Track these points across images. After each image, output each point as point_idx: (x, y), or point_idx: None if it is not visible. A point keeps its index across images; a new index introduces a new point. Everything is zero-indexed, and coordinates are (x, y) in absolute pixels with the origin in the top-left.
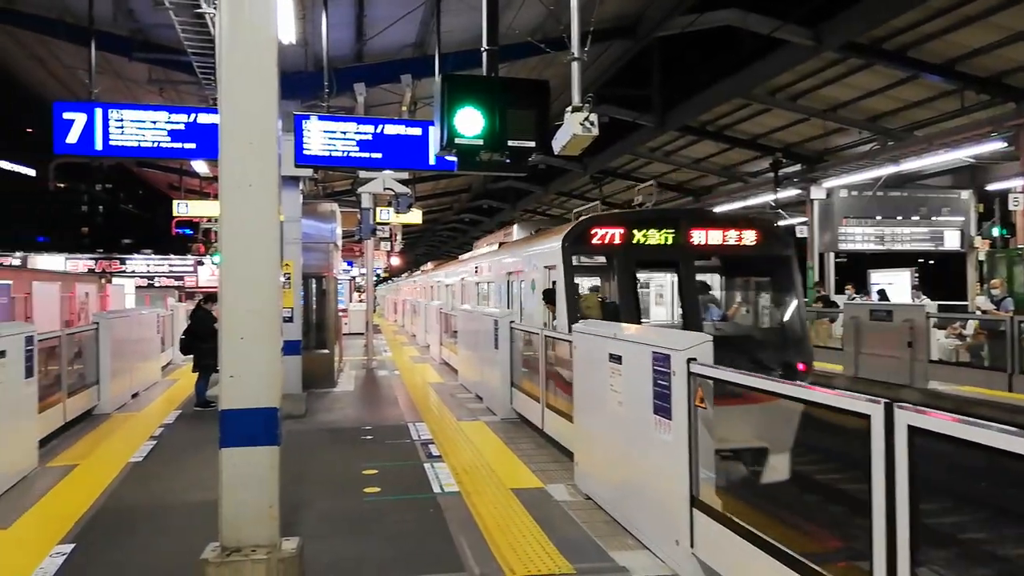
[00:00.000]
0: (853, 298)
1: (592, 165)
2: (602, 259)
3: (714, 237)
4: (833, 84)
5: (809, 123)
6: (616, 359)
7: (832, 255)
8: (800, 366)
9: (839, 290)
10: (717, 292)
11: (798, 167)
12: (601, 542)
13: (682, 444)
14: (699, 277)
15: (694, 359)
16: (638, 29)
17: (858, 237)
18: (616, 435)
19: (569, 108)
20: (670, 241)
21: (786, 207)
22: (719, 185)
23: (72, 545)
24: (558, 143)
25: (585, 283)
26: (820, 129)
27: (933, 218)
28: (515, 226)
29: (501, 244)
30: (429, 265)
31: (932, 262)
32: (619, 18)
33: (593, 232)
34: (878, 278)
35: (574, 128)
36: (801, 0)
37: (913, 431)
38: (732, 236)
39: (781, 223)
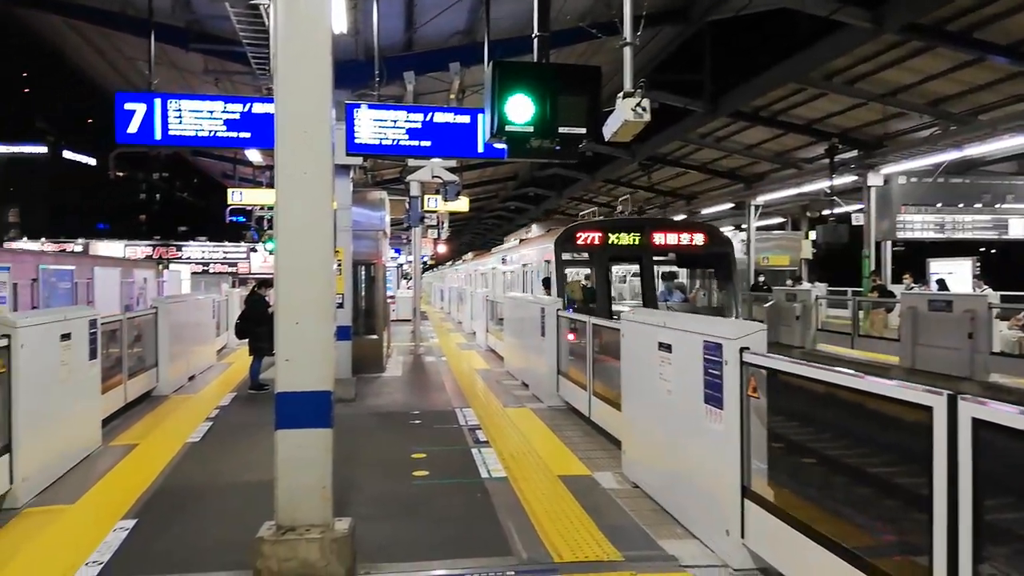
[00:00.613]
0: (911, 288)
1: (640, 152)
2: (585, 255)
3: (669, 239)
4: (893, 67)
5: (867, 107)
6: (666, 348)
7: (889, 244)
8: None
9: (896, 279)
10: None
11: (855, 153)
12: (649, 530)
13: (733, 434)
14: (670, 268)
15: (747, 348)
16: (690, 13)
17: (917, 225)
18: (665, 424)
19: (620, 94)
20: (636, 242)
21: (841, 194)
22: (772, 172)
23: (134, 520)
24: (609, 129)
25: (582, 272)
26: (879, 114)
27: (997, 205)
28: (534, 225)
29: (521, 241)
30: (469, 255)
31: (995, 251)
32: (671, 1)
33: (577, 235)
34: (937, 267)
35: (625, 114)
36: None
37: (978, 424)
38: (684, 238)
39: (836, 211)
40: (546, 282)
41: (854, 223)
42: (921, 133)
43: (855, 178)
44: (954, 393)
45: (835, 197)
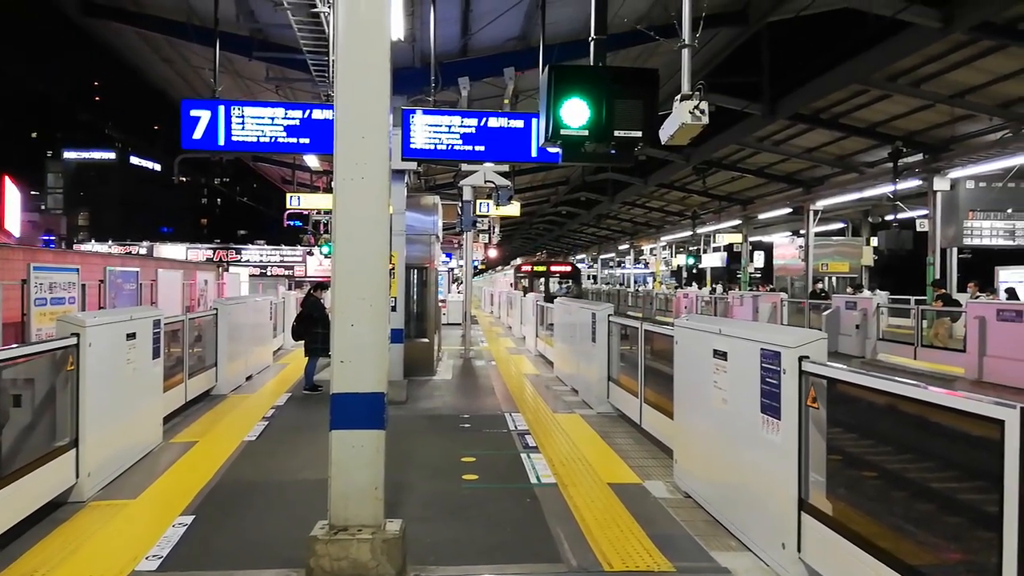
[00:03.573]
0: (977, 297)
1: (695, 156)
2: (526, 275)
3: (556, 268)
4: (961, 68)
5: (933, 109)
6: (721, 355)
7: (955, 251)
8: None
9: (962, 288)
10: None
11: (920, 156)
12: (701, 541)
13: (791, 445)
14: (563, 279)
15: (807, 357)
16: (749, 14)
17: (986, 231)
18: (719, 433)
19: (678, 97)
20: (544, 269)
21: (905, 199)
22: (832, 176)
23: (192, 516)
24: (665, 133)
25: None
26: (946, 116)
27: None
28: (519, 259)
29: (512, 265)
30: (500, 267)
31: None
32: (729, 3)
33: (522, 267)
34: (1007, 276)
35: (683, 117)
36: None
37: None
38: (562, 268)
39: (900, 216)
40: (512, 285)
41: (918, 229)
42: (991, 136)
43: (920, 182)
44: None
45: (898, 202)
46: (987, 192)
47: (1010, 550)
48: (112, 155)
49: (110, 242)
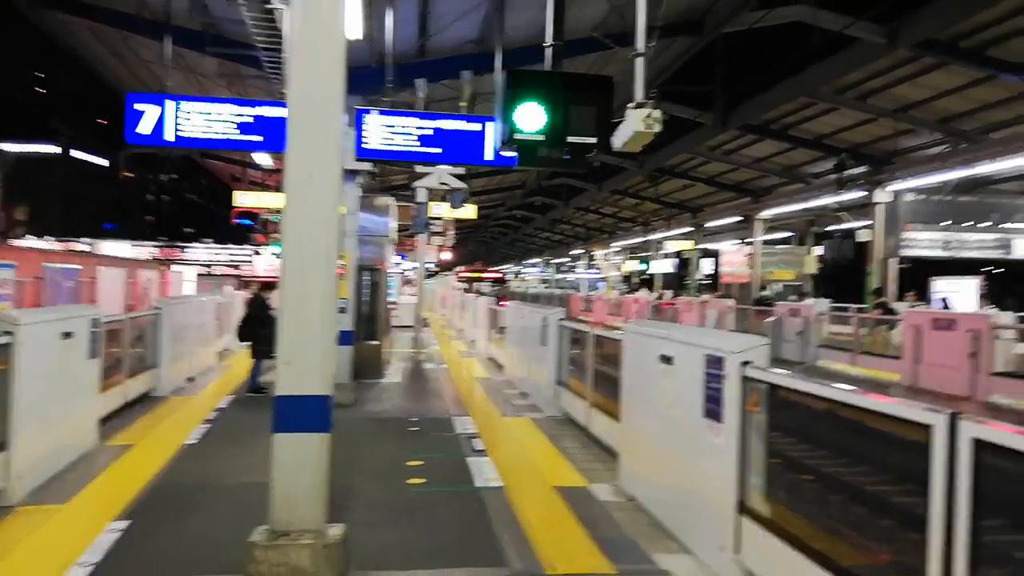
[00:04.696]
0: (914, 306)
1: (648, 163)
2: (465, 279)
3: (488, 275)
4: (904, 83)
5: (877, 123)
6: (667, 360)
7: (894, 261)
8: (503, 303)
9: (900, 297)
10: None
11: (863, 168)
12: (643, 544)
13: (732, 448)
14: (494, 283)
15: (748, 362)
16: (704, 25)
17: (923, 243)
18: (664, 437)
19: (631, 104)
20: (478, 276)
21: (849, 210)
22: (780, 186)
23: (127, 522)
24: (619, 140)
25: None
26: (889, 129)
27: (1004, 224)
28: (461, 267)
29: (456, 272)
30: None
31: (1003, 270)
32: (685, 13)
33: (460, 273)
34: (942, 286)
35: (636, 125)
36: None
37: (978, 444)
38: (493, 275)
39: (842, 227)
40: (454, 287)
41: (859, 239)
42: (931, 150)
43: (863, 194)
44: (955, 412)
45: (842, 212)
46: (925, 205)
47: (936, 550)
48: (55, 148)
49: (47, 238)
